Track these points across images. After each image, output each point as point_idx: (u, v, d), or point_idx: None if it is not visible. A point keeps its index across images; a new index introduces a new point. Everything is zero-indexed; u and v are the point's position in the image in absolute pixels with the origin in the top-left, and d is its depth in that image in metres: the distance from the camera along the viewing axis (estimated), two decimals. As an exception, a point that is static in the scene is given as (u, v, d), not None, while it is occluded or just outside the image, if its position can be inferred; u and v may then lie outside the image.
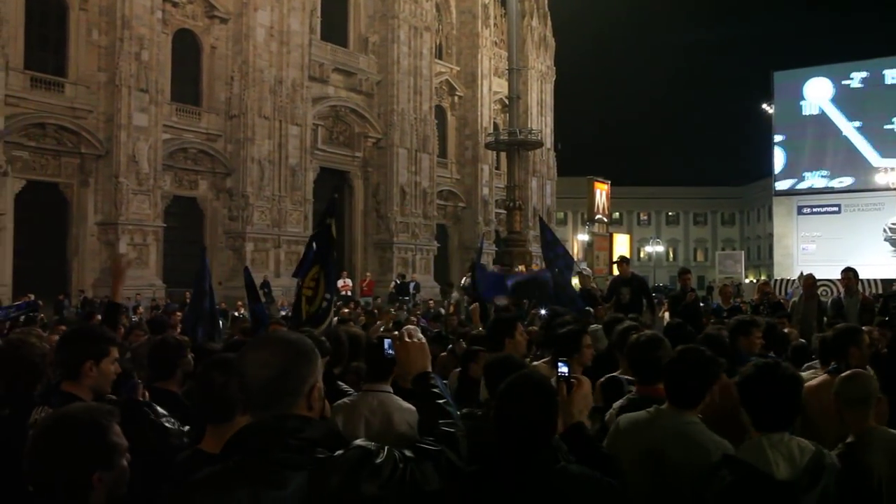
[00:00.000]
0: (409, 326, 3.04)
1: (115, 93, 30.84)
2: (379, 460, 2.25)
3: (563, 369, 3.18)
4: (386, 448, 2.31)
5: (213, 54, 35.77)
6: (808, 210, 41.44)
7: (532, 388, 2.93)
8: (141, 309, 24.27)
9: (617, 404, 4.26)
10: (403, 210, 43.18)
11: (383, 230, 42.86)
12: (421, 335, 2.95)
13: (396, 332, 2.95)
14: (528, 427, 2.80)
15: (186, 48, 35.16)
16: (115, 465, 2.48)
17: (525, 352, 5.85)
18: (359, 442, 2.31)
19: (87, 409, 2.56)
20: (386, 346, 3.09)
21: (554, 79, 56.99)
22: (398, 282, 34.26)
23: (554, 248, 12.19)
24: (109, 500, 2.46)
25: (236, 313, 20.55)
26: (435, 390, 2.74)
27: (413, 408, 4.42)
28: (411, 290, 31.18)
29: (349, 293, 32.50)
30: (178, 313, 12.56)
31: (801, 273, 17.49)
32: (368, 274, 37.07)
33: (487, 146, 45.03)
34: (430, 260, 44.91)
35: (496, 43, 52.00)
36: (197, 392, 3.12)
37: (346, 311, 20.01)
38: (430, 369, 2.83)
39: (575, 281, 15.70)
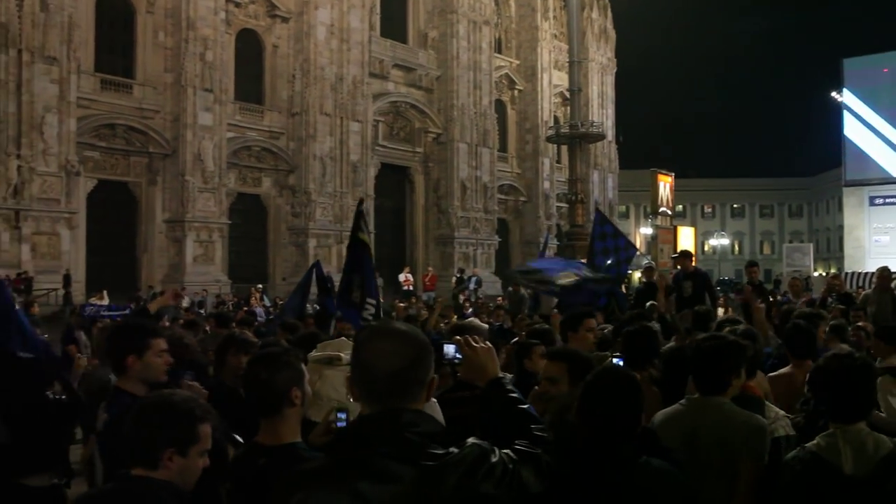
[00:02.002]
0: (473, 319, 2.97)
1: (181, 93, 31.50)
2: (493, 460, 2.20)
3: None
4: (496, 448, 2.25)
5: (275, 53, 36.27)
6: (881, 200, 40.26)
7: (617, 381, 2.92)
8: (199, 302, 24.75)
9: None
10: (464, 205, 43.20)
11: (444, 225, 42.94)
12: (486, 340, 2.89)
13: (459, 338, 2.88)
14: (612, 421, 2.79)
15: (249, 47, 35.73)
16: (187, 454, 2.62)
17: (592, 347, 5.74)
18: (474, 440, 2.23)
19: (188, 397, 2.74)
20: (452, 351, 3.02)
21: (615, 70, 56.41)
22: (459, 277, 34.27)
23: (615, 240, 11.95)
24: (179, 483, 2.62)
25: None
26: (514, 395, 2.63)
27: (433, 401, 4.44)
28: (472, 286, 31.13)
29: (411, 288, 32.67)
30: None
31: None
32: (430, 269, 37.18)
33: (548, 140, 44.70)
34: (491, 255, 44.84)
35: (556, 36, 51.61)
36: (245, 386, 3.16)
37: (402, 305, 20.13)
38: (500, 374, 2.72)
39: (637, 274, 15.41)
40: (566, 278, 10.57)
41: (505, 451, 2.29)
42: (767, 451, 3.53)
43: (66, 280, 26.37)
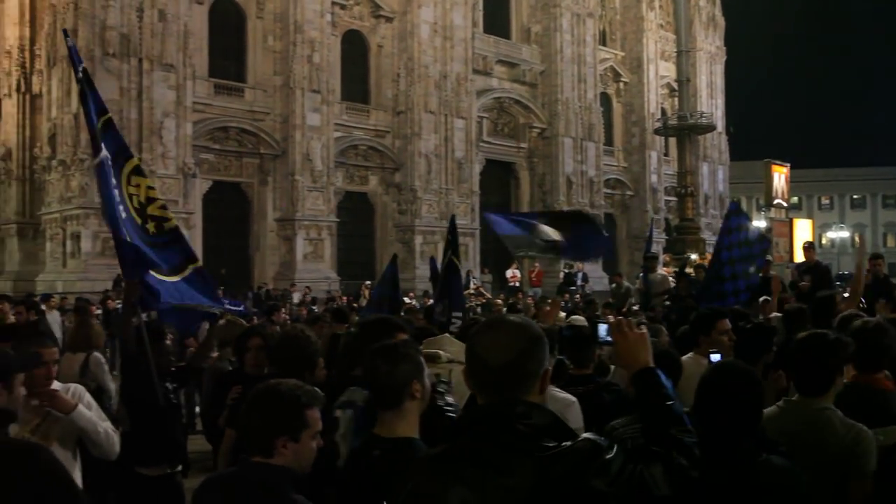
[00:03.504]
0: (576, 317, 2.86)
1: (290, 95, 32.33)
2: (608, 456, 2.14)
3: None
4: (616, 445, 2.20)
5: (379, 53, 36.79)
6: None
7: (737, 376, 2.83)
8: (310, 299, 25.31)
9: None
10: (570, 200, 42.78)
11: (550, 221, 42.56)
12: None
13: (613, 319, 2.79)
14: (732, 418, 2.70)
15: (354, 48, 36.34)
16: (299, 439, 2.73)
17: (728, 352, 5.42)
18: (588, 435, 2.21)
19: (293, 385, 2.83)
20: (603, 332, 2.96)
21: (724, 59, 54.82)
22: (566, 272, 33.96)
23: (746, 233, 11.06)
24: (295, 466, 2.73)
25: (408, 302, 20.95)
26: (662, 390, 2.47)
27: (571, 399, 4.36)
28: (579, 281, 30.79)
29: (517, 283, 32.60)
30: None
31: None
32: (537, 264, 36.90)
33: (656, 132, 43.85)
34: (598, 250, 44.20)
35: (662, 25, 50.54)
36: (365, 380, 3.19)
37: (499, 301, 20.07)
38: (652, 364, 2.55)
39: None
40: (546, 234, 9.81)
41: (631, 449, 2.24)
42: (874, 460, 3.30)
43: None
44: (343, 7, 35.24)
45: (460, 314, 9.07)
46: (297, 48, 32.32)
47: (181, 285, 5.95)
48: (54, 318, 15.71)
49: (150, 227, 5.95)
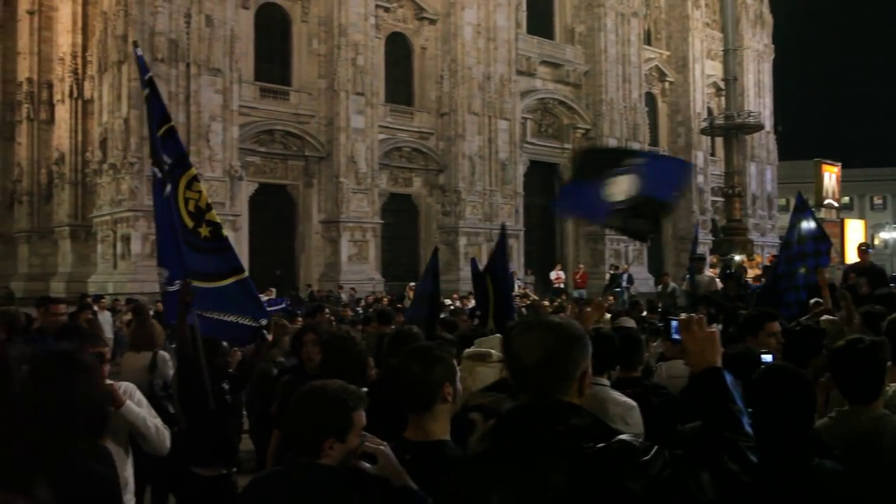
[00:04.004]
0: (692, 315, 2.77)
1: (334, 97, 32.56)
2: (645, 458, 2.12)
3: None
4: (655, 447, 2.17)
5: (423, 55, 36.89)
6: None
7: (788, 379, 2.78)
8: (366, 300, 25.46)
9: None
10: (614, 201, 42.41)
11: (594, 222, 42.32)
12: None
13: (684, 316, 2.75)
14: (783, 421, 2.65)
15: (398, 50, 36.50)
16: (346, 440, 2.78)
17: (777, 354, 5.35)
18: (623, 437, 2.19)
19: (339, 387, 2.89)
20: (673, 328, 2.94)
21: (772, 57, 53.95)
22: (611, 273, 33.76)
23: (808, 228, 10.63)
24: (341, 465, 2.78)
25: (450, 304, 20.99)
26: (724, 391, 2.42)
27: (632, 403, 4.32)
28: (624, 283, 30.57)
29: (562, 285, 32.50)
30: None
31: None
32: (581, 266, 36.80)
33: (703, 132, 43.36)
34: (643, 251, 43.90)
35: (708, 24, 49.92)
36: (397, 382, 3.17)
37: (545, 303, 20.01)
38: (719, 364, 2.50)
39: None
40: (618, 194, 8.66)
41: (674, 452, 2.19)
42: None
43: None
44: (387, 10, 35.40)
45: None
46: (341, 51, 32.54)
47: (216, 293, 5.94)
48: (105, 319, 16.02)
49: (204, 230, 6.00)
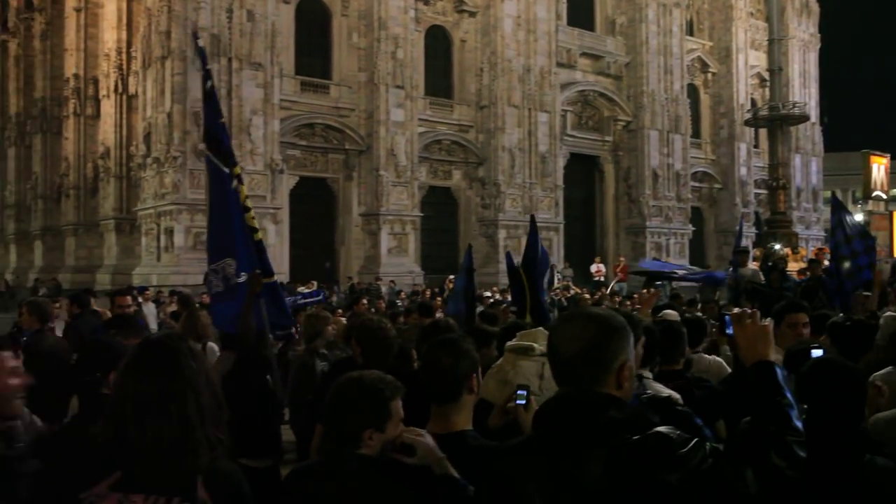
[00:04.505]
0: (735, 310, 2.75)
1: (374, 91, 32.66)
2: (682, 450, 2.09)
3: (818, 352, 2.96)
4: (694, 440, 2.13)
5: (462, 47, 36.83)
6: None
7: (838, 372, 2.73)
8: (403, 294, 25.54)
9: None
10: (656, 193, 42.08)
11: (635, 214, 42.06)
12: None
13: (737, 310, 2.72)
14: (834, 416, 2.60)
15: (437, 43, 36.48)
16: (385, 430, 2.80)
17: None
18: (661, 428, 2.17)
19: (376, 378, 2.89)
20: (726, 322, 2.92)
21: (818, 47, 52.97)
22: (652, 267, 33.45)
23: (849, 229, 10.61)
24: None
25: (490, 297, 20.95)
26: (774, 385, 2.41)
27: (675, 396, 4.27)
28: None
29: (602, 278, 32.28)
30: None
31: None
32: (622, 259, 36.49)
33: (746, 123, 42.66)
34: (684, 244, 43.45)
35: (752, 14, 49.14)
36: (425, 373, 3.16)
37: (587, 295, 19.90)
38: (771, 357, 2.50)
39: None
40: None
41: (715, 445, 2.16)
42: None
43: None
44: (426, 3, 35.38)
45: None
46: (381, 44, 32.61)
47: (237, 289, 5.96)
48: (150, 310, 16.25)
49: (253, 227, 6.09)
